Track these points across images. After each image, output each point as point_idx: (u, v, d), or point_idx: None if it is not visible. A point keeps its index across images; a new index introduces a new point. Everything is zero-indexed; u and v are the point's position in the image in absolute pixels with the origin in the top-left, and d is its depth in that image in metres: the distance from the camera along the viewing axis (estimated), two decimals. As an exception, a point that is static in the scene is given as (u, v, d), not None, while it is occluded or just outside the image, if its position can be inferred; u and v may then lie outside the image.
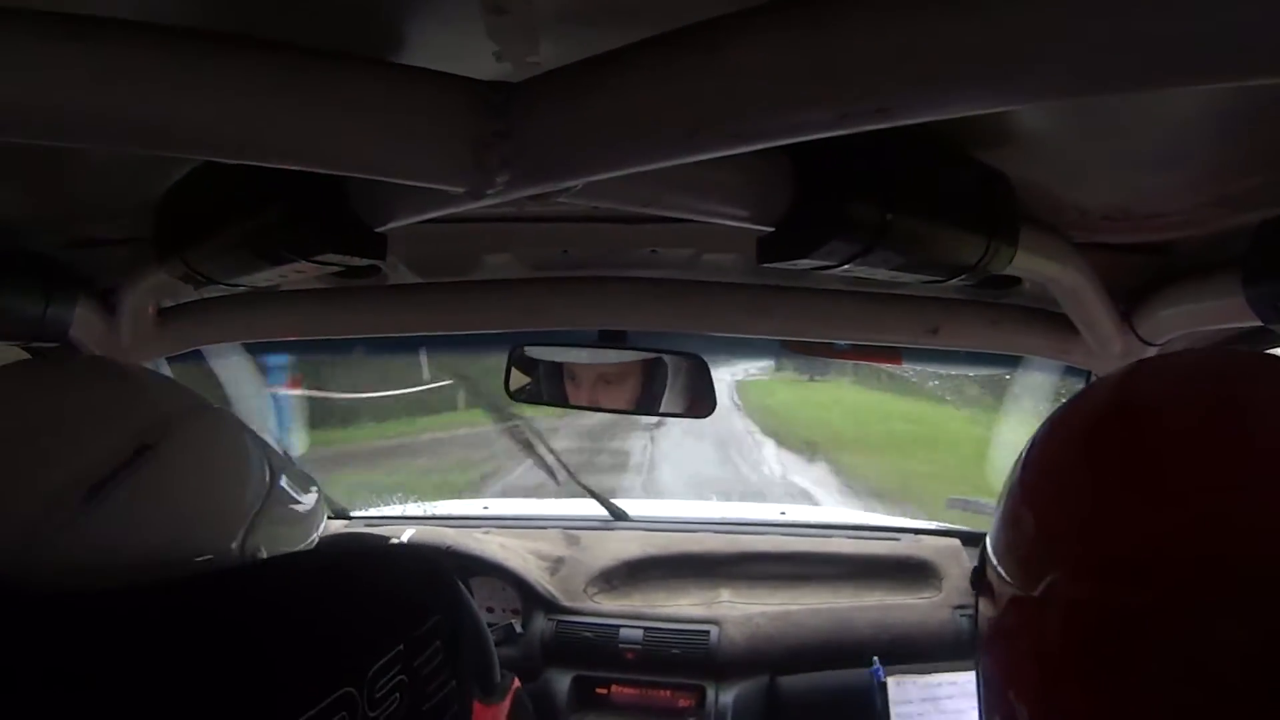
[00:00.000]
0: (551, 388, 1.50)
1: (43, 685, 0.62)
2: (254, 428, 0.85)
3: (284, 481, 0.83)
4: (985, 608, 0.48)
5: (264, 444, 0.85)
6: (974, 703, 1.50)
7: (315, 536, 0.90)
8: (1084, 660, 0.37)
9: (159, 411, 0.74)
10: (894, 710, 1.49)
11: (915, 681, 1.51)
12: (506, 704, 0.96)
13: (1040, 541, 0.42)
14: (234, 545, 0.76)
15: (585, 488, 2.13)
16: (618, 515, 2.04)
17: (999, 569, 0.45)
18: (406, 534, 1.86)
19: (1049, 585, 0.39)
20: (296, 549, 0.86)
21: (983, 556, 0.49)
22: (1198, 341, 1.07)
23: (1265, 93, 0.56)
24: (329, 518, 2.05)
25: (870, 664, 1.54)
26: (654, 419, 6.73)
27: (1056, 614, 0.39)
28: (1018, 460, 0.46)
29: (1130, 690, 0.36)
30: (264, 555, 0.78)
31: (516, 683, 0.99)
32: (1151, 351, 1.09)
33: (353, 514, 2.10)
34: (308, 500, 0.88)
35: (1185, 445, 0.39)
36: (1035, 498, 0.44)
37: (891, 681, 1.50)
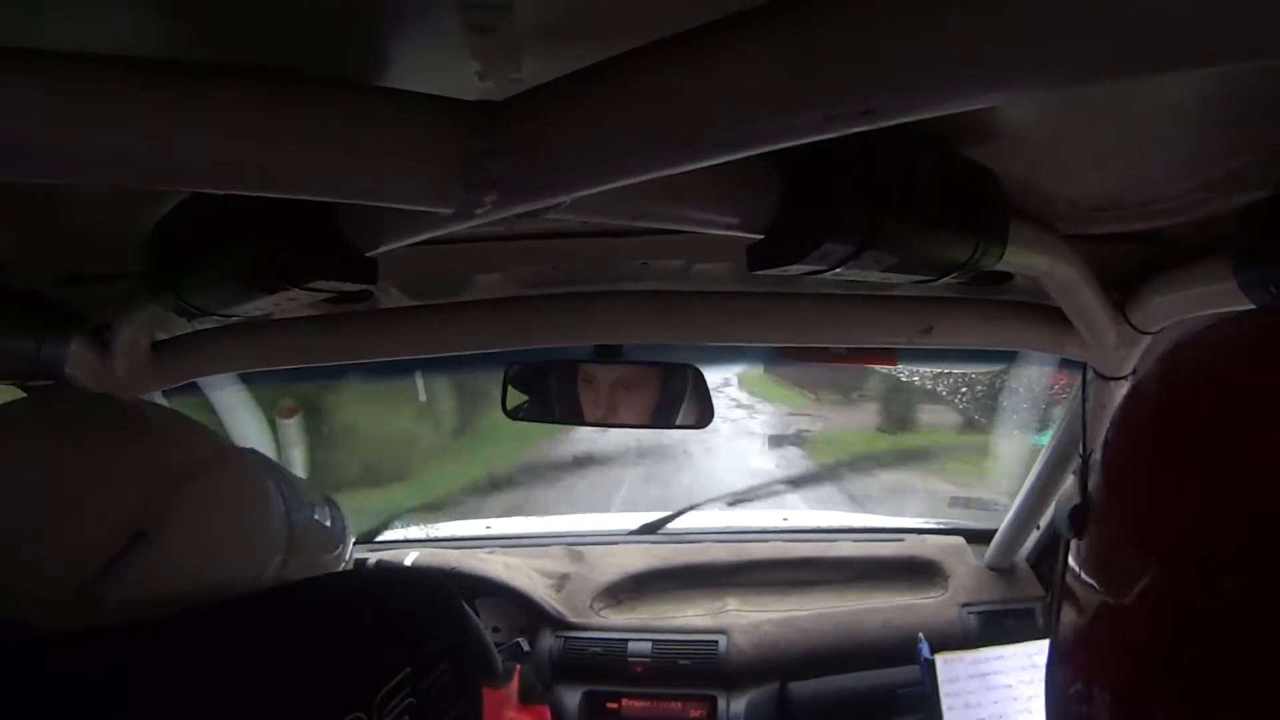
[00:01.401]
0: (555, 405, 1.49)
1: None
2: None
3: (303, 525, 0.79)
4: (1068, 615, 0.46)
5: (282, 482, 0.80)
6: (1022, 676, 1.49)
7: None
8: (1189, 660, 0.36)
9: (157, 486, 0.67)
10: (943, 688, 1.49)
11: (963, 658, 1.51)
12: (514, 684, 0.98)
13: (1128, 544, 0.40)
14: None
15: None
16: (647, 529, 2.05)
17: (1083, 576, 0.44)
18: (410, 557, 1.85)
19: (1144, 588, 0.38)
20: None
21: (1064, 563, 0.47)
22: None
23: (1248, 75, 0.57)
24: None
25: (899, 662, 1.55)
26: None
27: (1155, 616, 0.37)
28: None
29: (1238, 687, 0.34)
30: None
31: (518, 668, 1.02)
32: (1146, 341, 1.09)
33: (355, 539, 2.09)
34: (331, 539, 0.85)
35: (1265, 413, 0.36)
36: (1115, 499, 0.42)
37: (939, 660, 1.50)
